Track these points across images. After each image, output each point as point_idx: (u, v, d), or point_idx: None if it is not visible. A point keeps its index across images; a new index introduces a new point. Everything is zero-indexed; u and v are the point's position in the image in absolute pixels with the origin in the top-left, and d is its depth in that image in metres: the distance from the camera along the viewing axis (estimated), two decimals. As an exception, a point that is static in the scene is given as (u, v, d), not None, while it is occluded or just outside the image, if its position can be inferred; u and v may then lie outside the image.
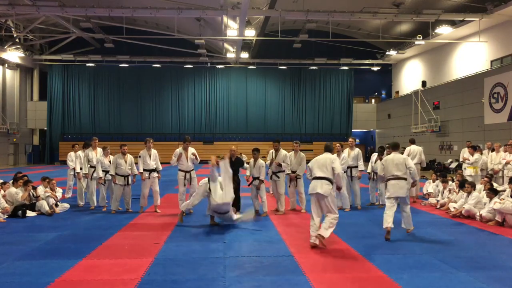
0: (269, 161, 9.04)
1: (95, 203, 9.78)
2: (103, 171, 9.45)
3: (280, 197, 8.94)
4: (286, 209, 9.10)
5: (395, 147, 7.27)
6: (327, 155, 6.48)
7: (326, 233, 5.96)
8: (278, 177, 8.92)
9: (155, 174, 9.10)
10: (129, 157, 9.21)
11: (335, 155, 8.88)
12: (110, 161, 9.42)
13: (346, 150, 9.64)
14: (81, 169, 10.11)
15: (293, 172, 9.07)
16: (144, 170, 9.02)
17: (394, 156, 7.02)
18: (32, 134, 33.53)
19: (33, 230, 7.30)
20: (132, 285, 4.48)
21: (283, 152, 8.93)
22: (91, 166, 9.78)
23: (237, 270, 4.99)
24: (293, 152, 9.20)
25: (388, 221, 6.55)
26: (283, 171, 8.92)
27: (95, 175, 9.66)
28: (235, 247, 6.07)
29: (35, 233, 6.98)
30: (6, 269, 5.04)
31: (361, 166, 9.57)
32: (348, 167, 9.51)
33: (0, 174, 18.34)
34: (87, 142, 10.38)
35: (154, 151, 9.22)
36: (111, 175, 9.08)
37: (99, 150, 9.95)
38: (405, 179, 6.79)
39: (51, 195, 9.23)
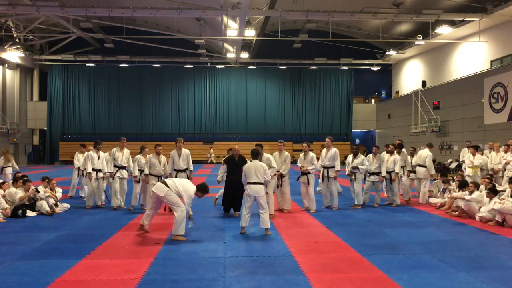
0: None
1: (120, 203, 9.63)
2: (139, 170, 9.39)
3: (269, 199, 8.75)
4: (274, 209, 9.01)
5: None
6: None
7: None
8: None
9: (183, 175, 9.00)
10: (163, 158, 9.26)
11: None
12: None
13: (324, 150, 9.58)
14: (93, 170, 9.70)
15: (278, 171, 9.01)
16: (174, 170, 9.06)
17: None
18: (32, 134, 33.51)
19: (33, 230, 7.30)
20: (132, 285, 4.48)
21: (266, 155, 8.80)
22: (115, 166, 9.66)
23: (237, 270, 4.99)
24: (277, 152, 9.18)
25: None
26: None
27: (118, 174, 9.63)
28: (235, 247, 6.07)
29: (35, 233, 6.98)
30: (6, 269, 5.04)
31: (337, 166, 9.35)
32: (324, 168, 9.45)
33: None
34: (97, 141, 10.27)
35: (185, 151, 9.14)
36: (145, 174, 9.10)
37: (126, 150, 9.88)
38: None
39: (51, 195, 9.22)
